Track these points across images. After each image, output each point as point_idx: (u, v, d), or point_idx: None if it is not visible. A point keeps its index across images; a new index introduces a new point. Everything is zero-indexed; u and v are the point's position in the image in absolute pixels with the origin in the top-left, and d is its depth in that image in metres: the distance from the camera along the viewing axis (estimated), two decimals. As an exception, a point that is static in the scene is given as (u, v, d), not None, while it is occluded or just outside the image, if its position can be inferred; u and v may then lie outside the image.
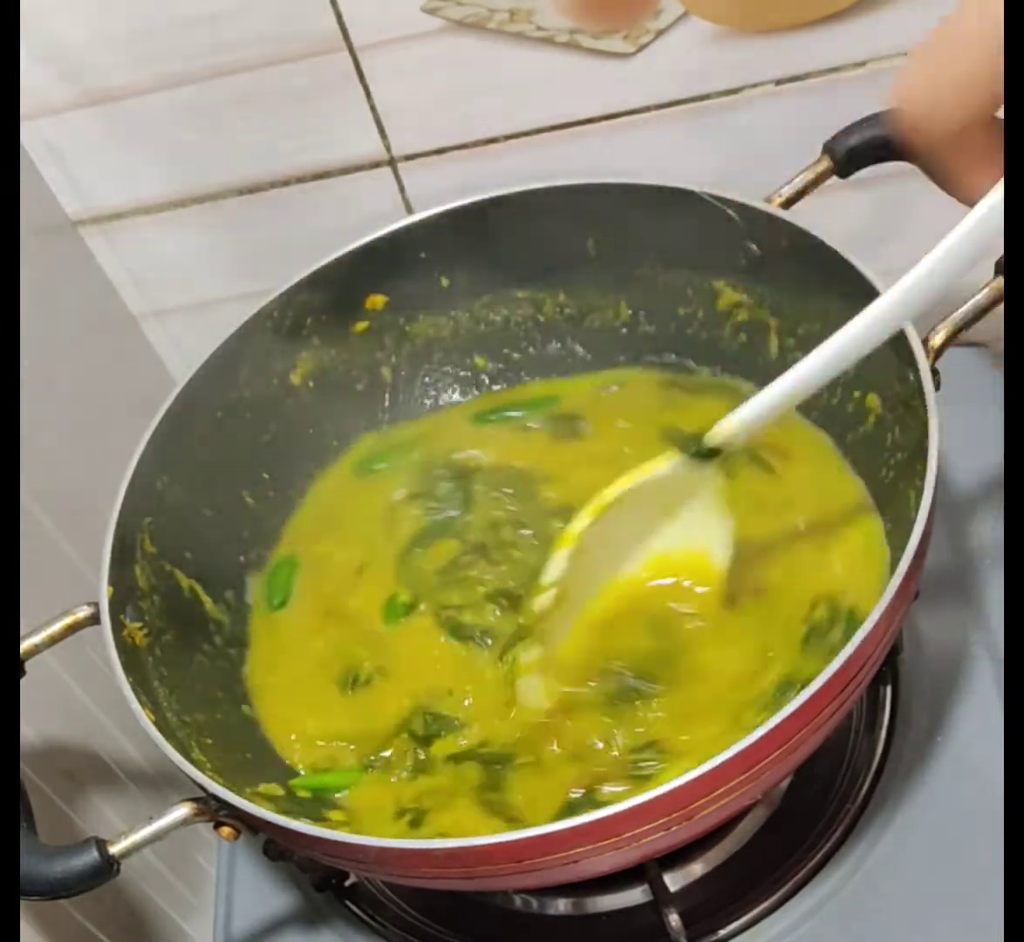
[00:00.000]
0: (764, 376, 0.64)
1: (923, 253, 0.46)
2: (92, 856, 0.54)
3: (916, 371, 0.58)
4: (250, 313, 0.73)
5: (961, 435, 0.66)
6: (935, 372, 0.59)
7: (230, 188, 0.83)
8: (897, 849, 0.66)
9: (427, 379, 0.82)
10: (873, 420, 0.66)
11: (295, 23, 0.74)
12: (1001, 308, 0.52)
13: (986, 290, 0.59)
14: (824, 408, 0.69)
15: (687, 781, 0.49)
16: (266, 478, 0.78)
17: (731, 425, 0.57)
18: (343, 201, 0.83)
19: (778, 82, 0.76)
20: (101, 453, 0.72)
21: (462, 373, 0.82)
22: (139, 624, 0.64)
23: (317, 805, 0.63)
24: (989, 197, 0.45)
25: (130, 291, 0.89)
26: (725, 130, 0.78)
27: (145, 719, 0.57)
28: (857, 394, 0.66)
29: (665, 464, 0.60)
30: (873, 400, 0.65)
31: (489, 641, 0.67)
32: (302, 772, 0.66)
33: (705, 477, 0.59)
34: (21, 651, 0.61)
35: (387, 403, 0.81)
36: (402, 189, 0.83)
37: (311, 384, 0.78)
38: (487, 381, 0.81)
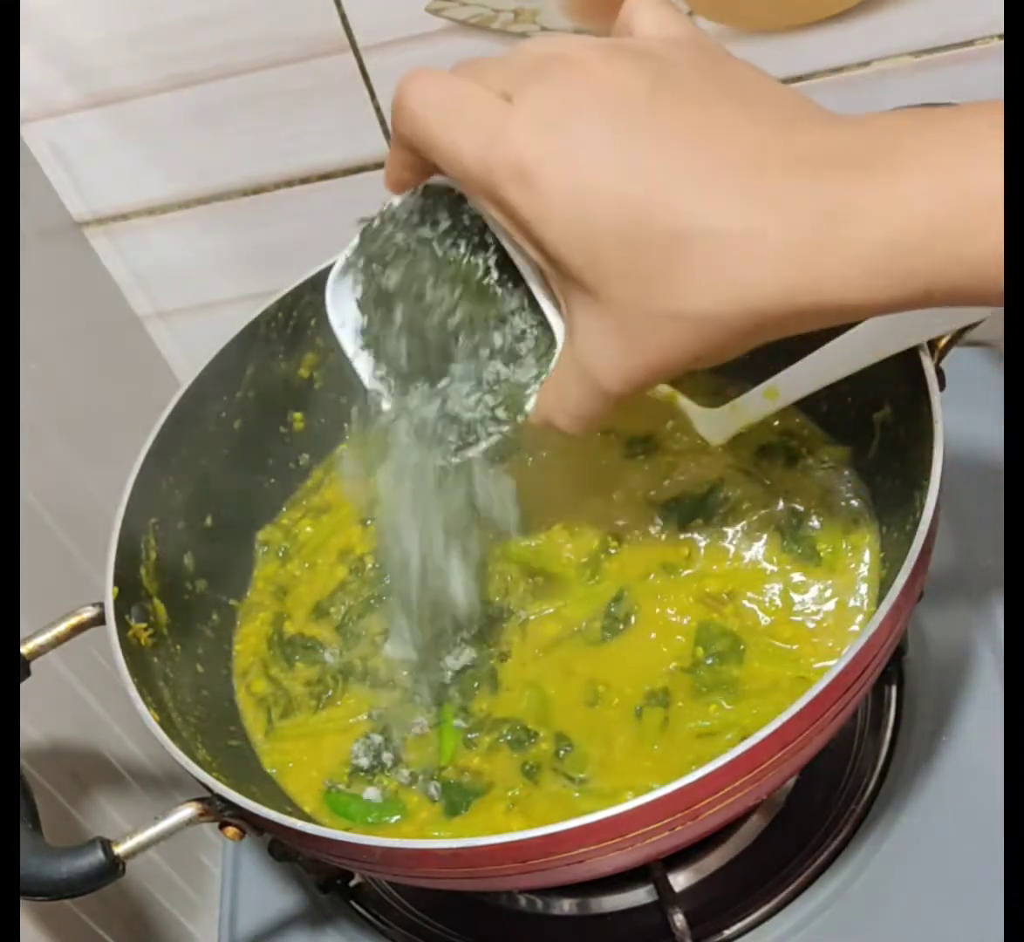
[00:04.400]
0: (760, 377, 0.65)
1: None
2: (97, 856, 0.54)
3: (920, 371, 0.58)
4: (255, 314, 0.73)
5: (966, 435, 0.66)
6: (940, 372, 0.59)
7: (234, 189, 0.83)
8: (902, 849, 0.66)
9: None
10: (879, 420, 0.66)
11: (299, 24, 0.74)
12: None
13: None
14: (828, 409, 0.69)
15: (692, 781, 0.48)
16: (271, 480, 0.79)
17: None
18: (348, 202, 0.83)
19: (782, 82, 0.76)
20: (105, 454, 0.72)
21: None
22: (144, 625, 0.64)
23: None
24: None
25: (135, 292, 0.90)
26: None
27: (150, 719, 0.58)
28: (862, 395, 0.66)
29: None
30: (878, 401, 0.65)
31: None
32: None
33: None
34: (26, 651, 0.61)
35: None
36: (406, 190, 0.83)
37: (316, 385, 0.78)
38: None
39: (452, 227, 0.49)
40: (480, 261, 0.49)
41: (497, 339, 0.50)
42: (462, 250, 0.50)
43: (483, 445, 0.53)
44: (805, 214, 0.38)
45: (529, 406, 0.51)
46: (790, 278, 0.39)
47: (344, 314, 0.54)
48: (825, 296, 0.39)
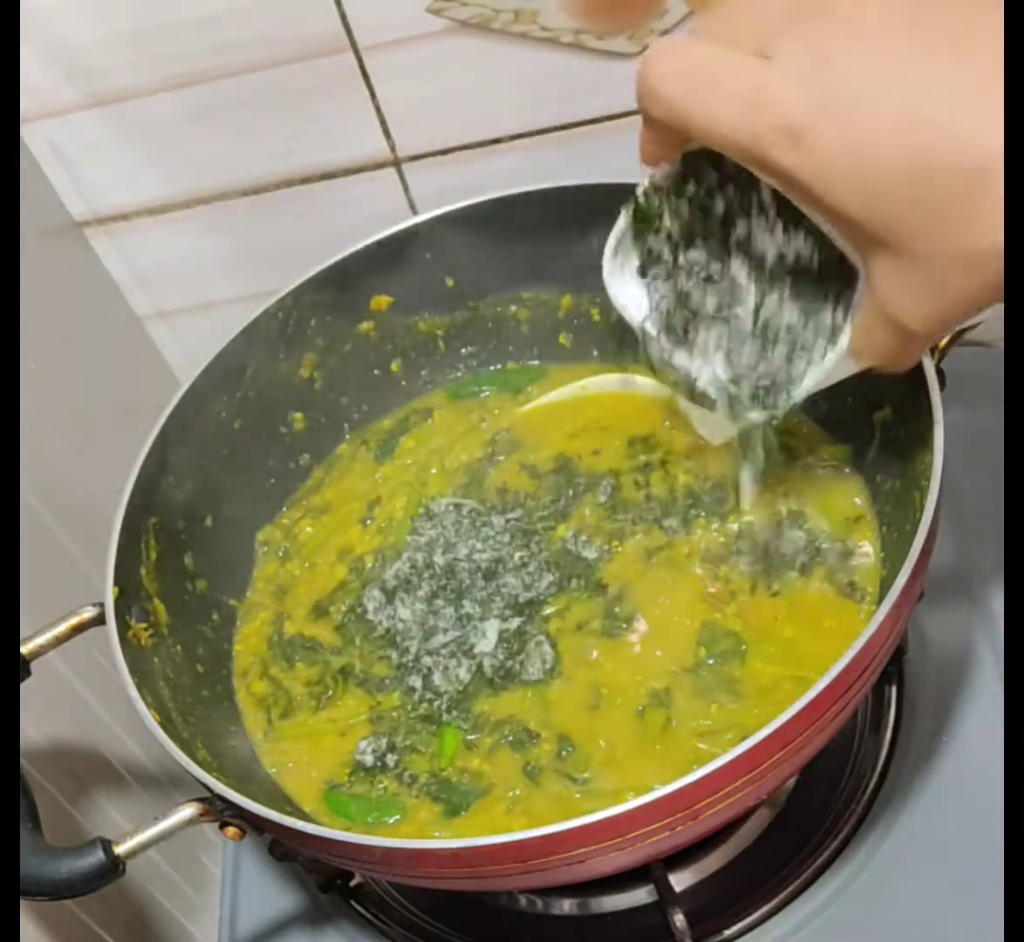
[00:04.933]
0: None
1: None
2: (98, 857, 0.54)
3: (920, 371, 0.58)
4: (255, 314, 0.73)
5: (966, 435, 0.66)
6: (940, 372, 0.59)
7: (235, 189, 0.83)
8: (902, 849, 0.66)
9: (428, 378, 0.83)
10: (879, 420, 0.66)
11: (299, 24, 0.74)
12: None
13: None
14: (828, 409, 0.69)
15: (693, 781, 0.49)
16: (271, 480, 0.79)
17: None
18: (347, 202, 0.83)
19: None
20: (106, 455, 0.72)
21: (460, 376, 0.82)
22: (144, 625, 0.64)
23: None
24: None
25: (135, 292, 0.90)
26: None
27: (150, 719, 0.58)
28: (862, 395, 0.66)
29: None
30: (878, 401, 0.65)
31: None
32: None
33: None
34: (27, 652, 0.61)
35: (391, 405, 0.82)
36: (407, 189, 0.83)
37: (316, 385, 0.78)
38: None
39: (719, 180, 0.49)
40: (753, 199, 0.49)
41: (787, 281, 0.51)
42: (731, 196, 0.50)
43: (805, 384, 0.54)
44: None
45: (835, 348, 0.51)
46: None
47: (625, 293, 0.57)
48: None
